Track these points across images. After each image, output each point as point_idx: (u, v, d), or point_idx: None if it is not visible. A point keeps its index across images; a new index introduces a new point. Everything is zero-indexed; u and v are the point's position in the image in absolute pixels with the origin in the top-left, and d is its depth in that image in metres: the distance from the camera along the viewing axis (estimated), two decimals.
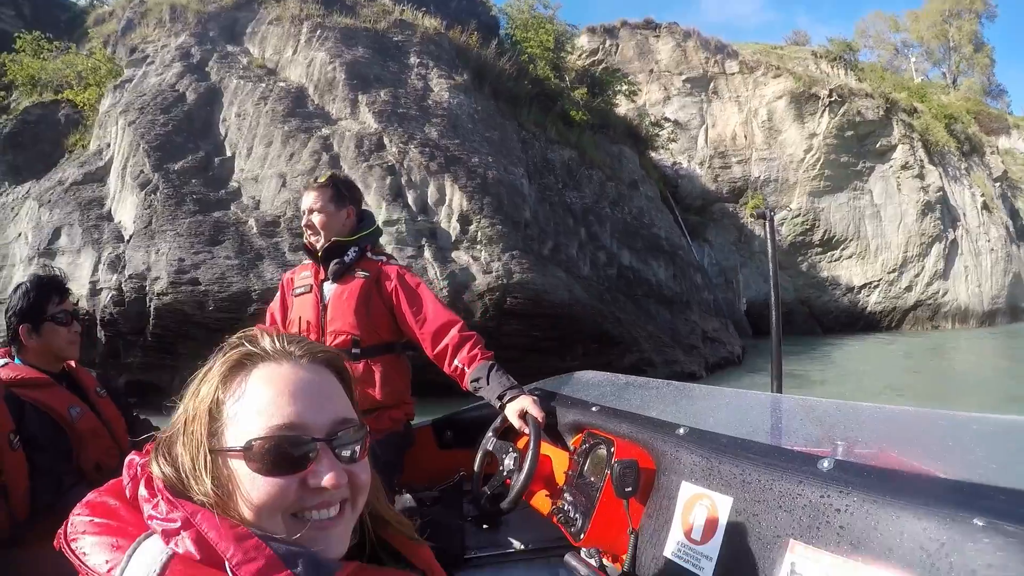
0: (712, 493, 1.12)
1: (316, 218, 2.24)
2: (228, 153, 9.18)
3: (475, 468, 1.95)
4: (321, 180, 2.30)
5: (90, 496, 0.74)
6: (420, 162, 9.05)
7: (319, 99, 9.71)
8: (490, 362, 2.05)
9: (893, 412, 1.41)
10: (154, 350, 7.77)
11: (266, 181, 8.69)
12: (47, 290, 2.10)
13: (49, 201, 9.46)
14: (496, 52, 11.72)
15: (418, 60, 10.72)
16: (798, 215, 14.99)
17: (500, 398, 1.94)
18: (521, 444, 1.83)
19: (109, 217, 8.83)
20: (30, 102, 13.06)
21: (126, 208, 8.62)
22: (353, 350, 2.17)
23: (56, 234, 8.76)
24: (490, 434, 1.98)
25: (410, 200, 8.79)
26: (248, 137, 9.18)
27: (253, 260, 7.79)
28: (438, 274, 8.39)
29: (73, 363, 2.21)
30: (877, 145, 15.28)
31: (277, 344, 0.75)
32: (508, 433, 1.95)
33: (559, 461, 1.74)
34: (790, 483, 0.97)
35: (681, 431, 1.30)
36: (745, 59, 15.71)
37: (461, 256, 8.70)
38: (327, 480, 0.69)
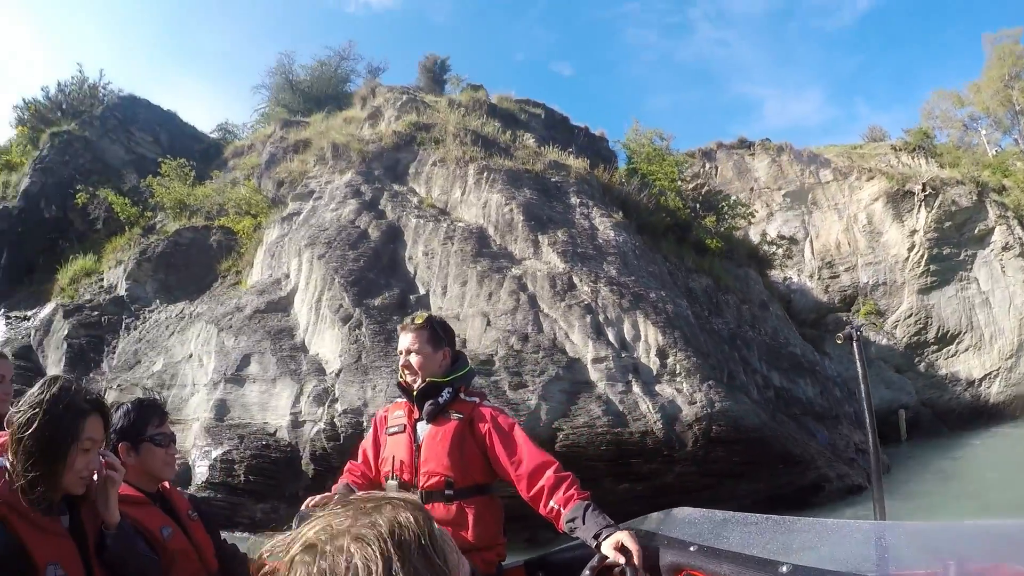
0: None
1: (414, 359, 2.29)
2: (421, 291, 9.47)
3: None
4: (418, 321, 2.34)
5: None
6: (612, 300, 9.34)
7: (500, 239, 10.13)
8: (586, 502, 2.02)
9: (1004, 527, 1.35)
10: None
11: (469, 320, 8.93)
12: (148, 412, 2.19)
13: (231, 327, 9.68)
14: (638, 187, 12.34)
15: (578, 200, 11.25)
16: (909, 315, 15.15)
17: (596, 536, 1.90)
18: None
19: (303, 348, 9.02)
20: (180, 225, 13.89)
21: (325, 341, 8.80)
22: (446, 491, 2.19)
23: (245, 361, 8.93)
24: (587, 573, 1.93)
25: (610, 337, 9.00)
26: (440, 276, 9.51)
27: None
28: (650, 408, 8.45)
29: (167, 484, 2.27)
30: (975, 231, 15.57)
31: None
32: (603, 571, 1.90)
33: None
34: None
35: (784, 568, 1.25)
36: (838, 166, 16.45)
37: (665, 389, 8.79)
38: None
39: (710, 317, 11.63)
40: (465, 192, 11.01)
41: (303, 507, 1.96)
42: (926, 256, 15.08)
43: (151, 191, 15.15)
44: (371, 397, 7.77)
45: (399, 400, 2.44)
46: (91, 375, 11.21)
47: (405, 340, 2.34)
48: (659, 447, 8.25)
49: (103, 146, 17.26)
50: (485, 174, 10.99)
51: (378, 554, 0.71)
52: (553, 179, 11.52)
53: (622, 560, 1.78)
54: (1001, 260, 15.14)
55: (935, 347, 15.02)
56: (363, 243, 9.90)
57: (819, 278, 15.74)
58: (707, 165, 17.19)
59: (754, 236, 15.42)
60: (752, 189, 16.58)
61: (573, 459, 7.87)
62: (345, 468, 2.49)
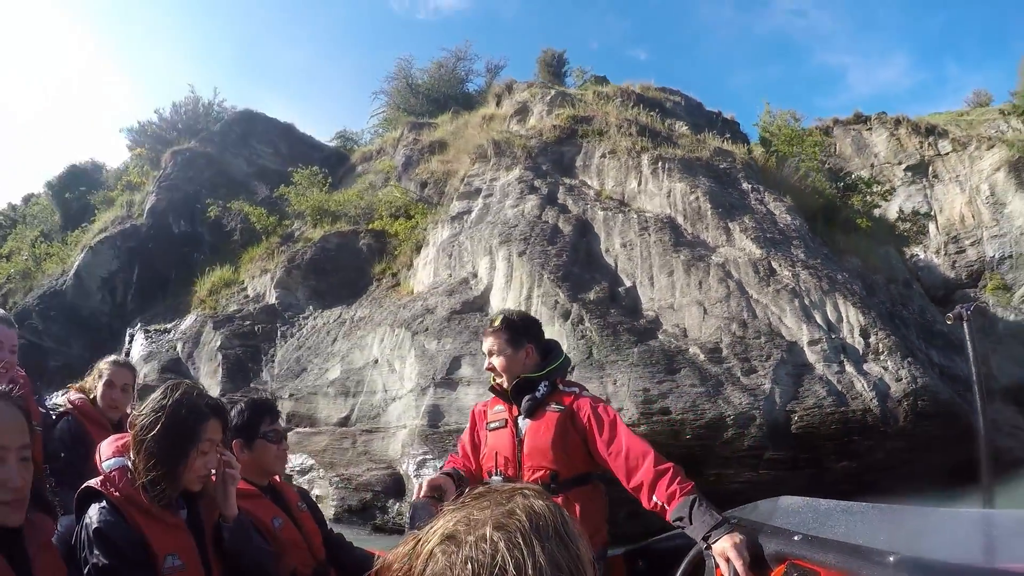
0: None
1: (496, 361, 2.37)
2: (627, 283, 9.82)
3: None
4: (495, 323, 2.40)
5: None
6: (813, 283, 9.70)
7: (691, 228, 10.45)
8: (692, 496, 1.98)
9: None
10: None
11: (685, 309, 9.31)
12: (261, 411, 2.34)
13: (427, 330, 9.84)
14: (790, 171, 12.66)
15: (749, 186, 11.53)
16: None
17: (705, 539, 1.87)
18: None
19: None
20: (324, 231, 14.22)
21: None
22: (551, 484, 2.22)
23: (456, 364, 9.12)
24: (686, 562, 1.95)
25: (818, 319, 9.41)
26: (644, 267, 9.88)
27: (716, 386, 8.37)
28: (864, 386, 8.84)
29: (278, 478, 2.40)
30: None
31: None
32: (702, 568, 1.91)
33: None
34: None
35: (891, 559, 1.23)
36: (956, 136, 16.54)
37: (872, 367, 9.18)
38: None
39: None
40: (641, 183, 11.34)
41: (415, 496, 1.96)
42: None
43: (286, 200, 15.60)
44: (613, 392, 7.96)
45: (494, 397, 2.50)
46: (252, 385, 11.46)
47: (486, 343, 2.43)
48: (876, 424, 8.61)
49: (225, 160, 17.94)
50: (660, 163, 11.29)
51: (521, 542, 0.74)
52: (721, 166, 11.81)
53: (726, 572, 1.76)
54: None
55: None
56: (558, 238, 10.21)
57: (945, 254, 15.92)
58: (825, 142, 17.33)
59: (885, 214, 15.63)
60: (872, 165, 16.76)
61: (807, 440, 8.35)
62: (446, 462, 2.55)
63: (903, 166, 16.41)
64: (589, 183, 11.81)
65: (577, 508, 2.26)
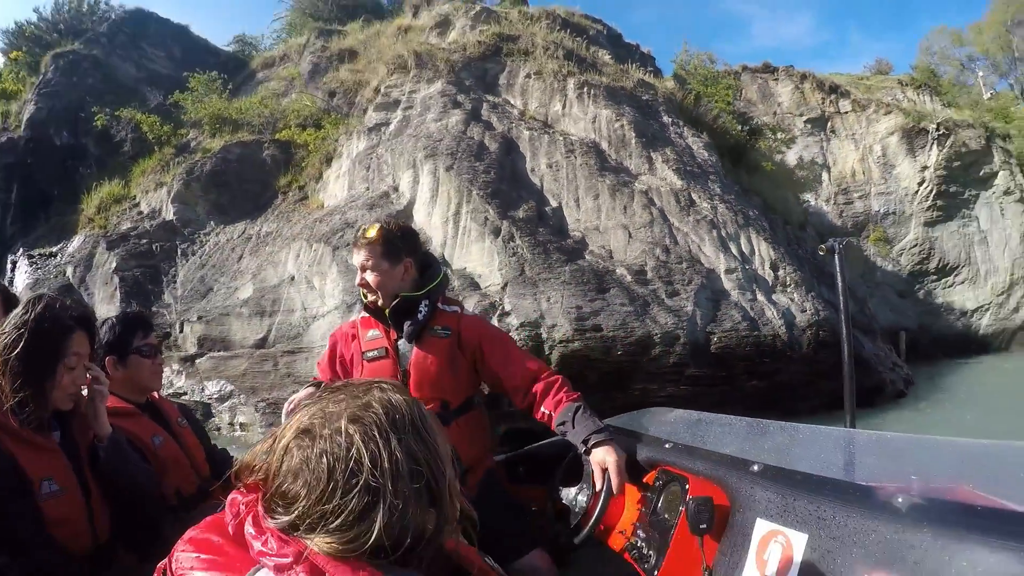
0: (787, 530, 1.12)
1: (370, 276, 2.13)
2: (553, 203, 9.74)
3: (548, 504, 1.98)
4: (370, 234, 2.14)
5: (191, 533, 0.82)
6: (730, 216, 10.06)
7: (615, 155, 10.46)
8: (576, 404, 1.99)
9: (969, 445, 1.41)
10: None
11: (611, 232, 9.36)
12: (133, 325, 2.24)
13: (347, 245, 9.65)
14: (707, 110, 12.97)
15: (669, 120, 11.74)
16: (914, 246, 16.96)
17: (585, 443, 1.90)
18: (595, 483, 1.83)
19: (444, 263, 9.17)
20: (224, 141, 13.18)
21: (472, 255, 8.89)
22: (441, 413, 2.08)
23: None
24: (563, 466, 2.03)
25: (733, 251, 9.83)
26: (571, 189, 9.82)
27: (643, 306, 8.57)
28: (774, 314, 9.39)
29: (156, 394, 2.34)
30: (981, 173, 17.15)
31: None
32: (577, 472, 1.99)
33: (632, 497, 1.74)
34: (865, 519, 0.96)
35: (756, 468, 1.30)
36: (857, 98, 17.76)
37: (781, 298, 9.75)
38: None
39: None
40: (566, 106, 11.19)
41: (286, 408, 1.87)
42: (934, 191, 16.71)
43: (181, 108, 14.36)
44: (547, 309, 7.94)
45: (367, 315, 2.26)
46: (155, 308, 10.90)
47: (359, 256, 2.16)
48: (784, 348, 9.23)
49: (112, 64, 16.30)
50: (586, 89, 11.18)
51: (376, 434, 0.74)
52: (643, 97, 11.89)
53: (599, 478, 1.79)
54: (1001, 203, 16.89)
55: (935, 277, 16.88)
56: (485, 155, 9.91)
57: (835, 203, 17.22)
58: (735, 86, 17.98)
59: (784, 160, 16.60)
60: (775, 113, 17.65)
61: (724, 360, 8.80)
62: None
63: (804, 118, 17.45)
64: (513, 102, 11.53)
65: (467, 435, 2.16)
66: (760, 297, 9.52)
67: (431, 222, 9.42)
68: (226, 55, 18.26)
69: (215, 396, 9.06)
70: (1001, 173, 16.84)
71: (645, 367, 8.29)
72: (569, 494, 1.97)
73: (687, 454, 1.59)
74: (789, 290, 9.93)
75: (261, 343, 9.37)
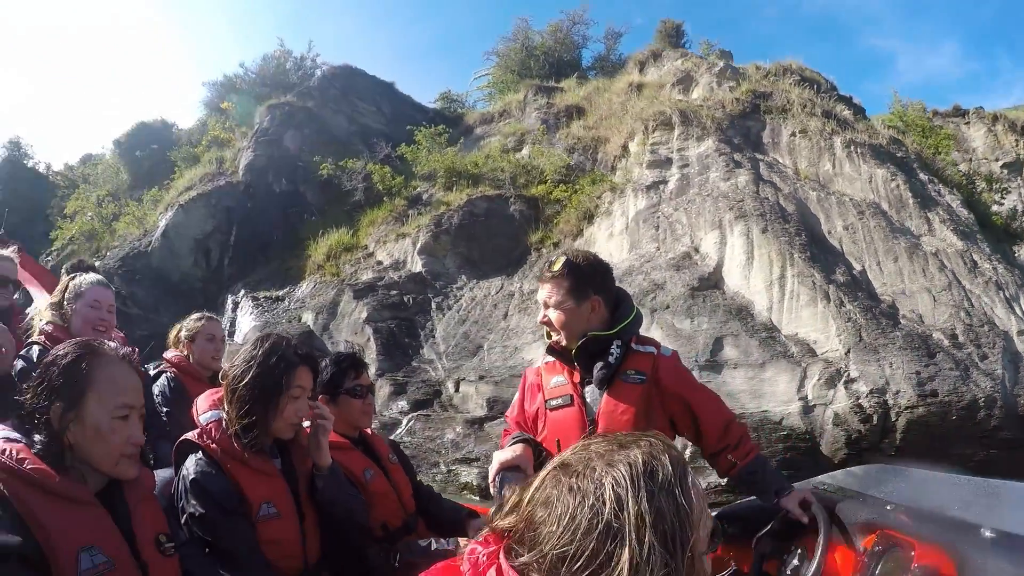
0: None
1: (553, 315, 2.14)
2: (856, 266, 11.11)
3: (753, 562, 1.99)
4: (555, 268, 2.15)
5: None
6: (1010, 277, 11.36)
7: (896, 215, 11.91)
8: (764, 458, 2.08)
9: None
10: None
11: (916, 295, 10.71)
12: (346, 366, 2.56)
13: (667, 307, 10.57)
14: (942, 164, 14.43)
15: (925, 177, 12.97)
16: None
17: (777, 492, 1.95)
18: (807, 542, 1.84)
19: (773, 328, 10.56)
20: (466, 195, 14.60)
21: (802, 320, 10.27)
22: None
23: (719, 345, 9.96)
24: (771, 526, 2.03)
25: (1017, 311, 11.15)
26: (870, 251, 11.19)
27: (965, 371, 9.73)
28: None
29: (369, 430, 2.64)
30: None
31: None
32: (785, 535, 2.01)
33: (848, 563, 1.75)
34: None
35: (987, 533, 1.28)
36: None
37: None
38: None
39: None
40: (836, 166, 12.70)
41: (493, 471, 1.91)
42: None
43: (403, 161, 15.93)
44: (890, 375, 9.20)
45: (550, 361, 2.28)
46: (415, 363, 11.55)
47: (542, 292, 2.19)
48: None
49: (325, 117, 18.31)
50: (853, 148, 12.67)
51: (628, 483, 0.81)
52: (897, 154, 13.39)
53: (805, 519, 1.84)
54: None
55: None
56: (789, 216, 11.38)
57: None
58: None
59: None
60: (971, 159, 18.91)
61: None
62: (503, 435, 2.36)
63: (1000, 163, 18.64)
64: (782, 161, 13.02)
65: None
66: None
67: (749, 285, 10.72)
68: (433, 111, 20.30)
69: None
70: None
71: (969, 431, 9.53)
72: (779, 559, 1.97)
73: (911, 516, 1.58)
74: None
75: None
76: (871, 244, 11.33)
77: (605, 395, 2.12)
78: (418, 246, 13.65)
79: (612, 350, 2.13)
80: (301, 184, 16.52)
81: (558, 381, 2.22)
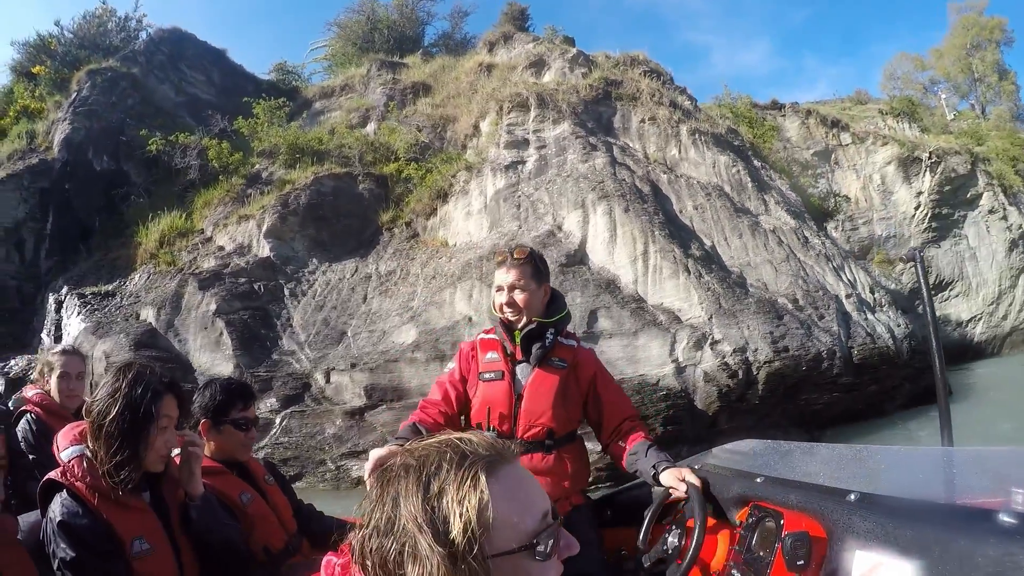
0: (889, 560, 1.18)
1: (519, 296, 2.51)
2: (707, 243, 12.56)
3: (638, 543, 2.15)
4: (521, 255, 2.54)
5: None
6: (835, 250, 13.50)
7: (737, 197, 13.55)
8: (650, 442, 2.41)
9: None
10: None
11: (761, 267, 12.28)
12: (234, 395, 2.64)
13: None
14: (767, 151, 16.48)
15: (758, 163, 15.02)
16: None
17: (655, 467, 2.25)
18: (686, 522, 2.02)
19: (640, 299, 11.55)
20: (313, 173, 14.29)
21: (666, 292, 11.43)
22: (546, 441, 2.46)
23: (593, 317, 10.81)
24: (654, 507, 2.24)
25: (844, 278, 13.15)
26: (718, 229, 12.71)
27: (808, 328, 11.34)
28: (883, 330, 12.81)
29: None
30: (968, 195, 21.38)
31: (503, 447, 0.99)
32: (669, 513, 2.26)
33: (725, 536, 1.93)
34: (969, 542, 1.03)
35: (852, 497, 1.39)
36: (856, 131, 22.06)
37: (882, 316, 13.24)
38: (573, 547, 0.98)
39: None
40: (682, 151, 14.15)
41: (369, 469, 1.90)
42: (929, 214, 21.19)
43: (237, 135, 15.34)
44: (749, 335, 10.67)
45: (487, 337, 2.67)
46: (276, 356, 11.39)
47: (508, 275, 2.52)
48: (894, 357, 12.50)
49: (151, 85, 17.22)
50: (698, 136, 14.24)
51: (412, 489, 0.90)
52: (735, 143, 15.12)
53: (682, 489, 2.11)
54: (987, 221, 21.53)
55: (933, 293, 21.39)
56: (647, 196, 12.52)
57: (842, 230, 21.37)
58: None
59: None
60: (785, 148, 21.56)
61: (861, 368, 11.92)
62: (419, 405, 2.64)
63: (811, 151, 21.52)
64: (632, 145, 14.21)
65: (569, 465, 2.52)
66: (871, 316, 12.91)
67: (614, 261, 11.77)
68: (267, 83, 19.68)
69: None
70: (985, 194, 21.58)
71: (815, 379, 11.17)
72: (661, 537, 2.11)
73: (779, 487, 1.72)
74: (885, 309, 13.45)
75: None
76: (719, 222, 12.75)
77: (534, 373, 2.52)
78: (264, 229, 13.35)
79: (547, 336, 2.55)
80: (125, 161, 15.46)
81: (492, 357, 2.58)
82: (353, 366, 10.88)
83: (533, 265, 2.56)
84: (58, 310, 12.81)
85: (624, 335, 10.64)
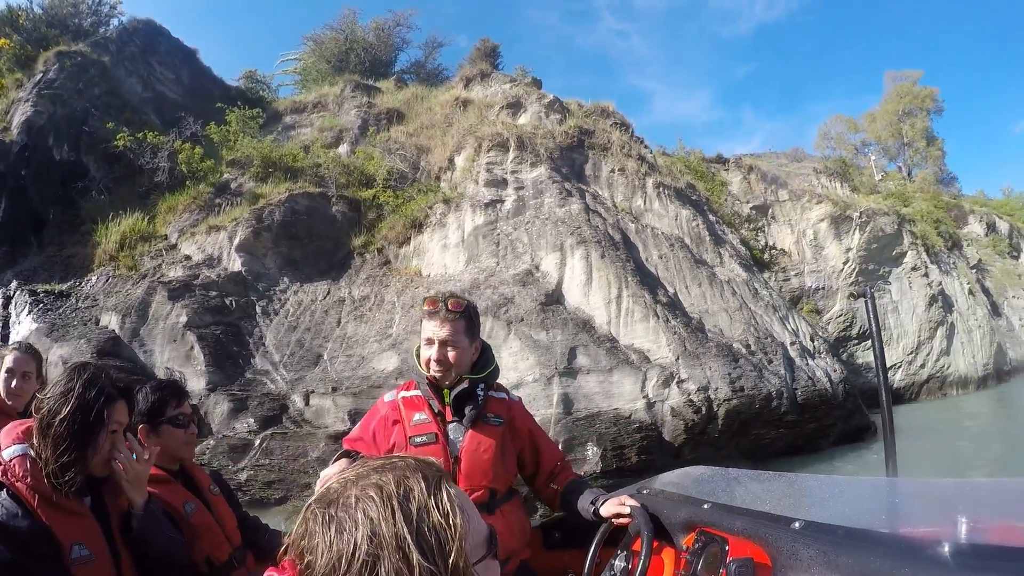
0: None
1: (450, 353, 2.43)
2: (670, 290, 14.20)
3: (585, 569, 2.22)
4: (456, 308, 2.44)
5: None
6: (780, 301, 15.45)
7: (696, 248, 15.34)
8: (582, 480, 2.54)
9: (1013, 484, 1.70)
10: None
11: (718, 315, 14.10)
12: (167, 394, 2.68)
13: (521, 320, 12.45)
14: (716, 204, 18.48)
15: (713, 218, 16.92)
16: (840, 316, 23.59)
17: (593, 503, 2.32)
18: (633, 544, 2.10)
19: (613, 339, 12.91)
20: (286, 190, 14.75)
21: (636, 333, 12.84)
22: (489, 503, 2.43)
23: (572, 354, 12.04)
24: (601, 531, 2.31)
25: (788, 327, 15.08)
26: (680, 277, 14.42)
27: (759, 371, 13.18)
28: (822, 374, 14.78)
29: (189, 462, 2.78)
30: (893, 253, 23.71)
31: (435, 461, 1.04)
32: (616, 539, 2.30)
33: (671, 560, 2.01)
34: (912, 571, 1.08)
35: (796, 525, 1.45)
36: (793, 188, 24.41)
37: (820, 362, 15.22)
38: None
39: None
40: (647, 203, 15.89)
41: (318, 486, 1.72)
42: (856, 269, 23.69)
43: (207, 141, 15.50)
44: (711, 376, 12.33)
45: (408, 395, 2.62)
46: (249, 375, 11.57)
47: (440, 330, 2.43)
48: (830, 399, 14.46)
49: (119, 77, 17.04)
50: (662, 189, 16.04)
51: (380, 508, 0.90)
52: (692, 197, 16.97)
53: (625, 511, 2.20)
54: (909, 277, 24.10)
55: (856, 341, 23.57)
56: (618, 244, 14.09)
57: (775, 280, 23.55)
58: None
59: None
60: (726, 200, 23.70)
61: (804, 407, 13.67)
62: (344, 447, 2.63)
63: (750, 205, 23.78)
64: (602, 193, 15.81)
65: (514, 522, 2.54)
66: (811, 362, 14.92)
67: (590, 303, 13.26)
68: (235, 90, 20.13)
69: None
70: (909, 252, 24.25)
71: (765, 416, 12.86)
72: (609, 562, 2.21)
73: (725, 513, 1.82)
74: (823, 355, 15.47)
75: None
76: (680, 272, 14.51)
77: (469, 434, 2.49)
78: (235, 242, 13.67)
79: (478, 392, 2.53)
80: (86, 154, 15.14)
81: (421, 418, 2.51)
82: (335, 390, 11.45)
83: (468, 320, 2.50)
84: (6, 306, 12.59)
85: (600, 371, 12.09)
